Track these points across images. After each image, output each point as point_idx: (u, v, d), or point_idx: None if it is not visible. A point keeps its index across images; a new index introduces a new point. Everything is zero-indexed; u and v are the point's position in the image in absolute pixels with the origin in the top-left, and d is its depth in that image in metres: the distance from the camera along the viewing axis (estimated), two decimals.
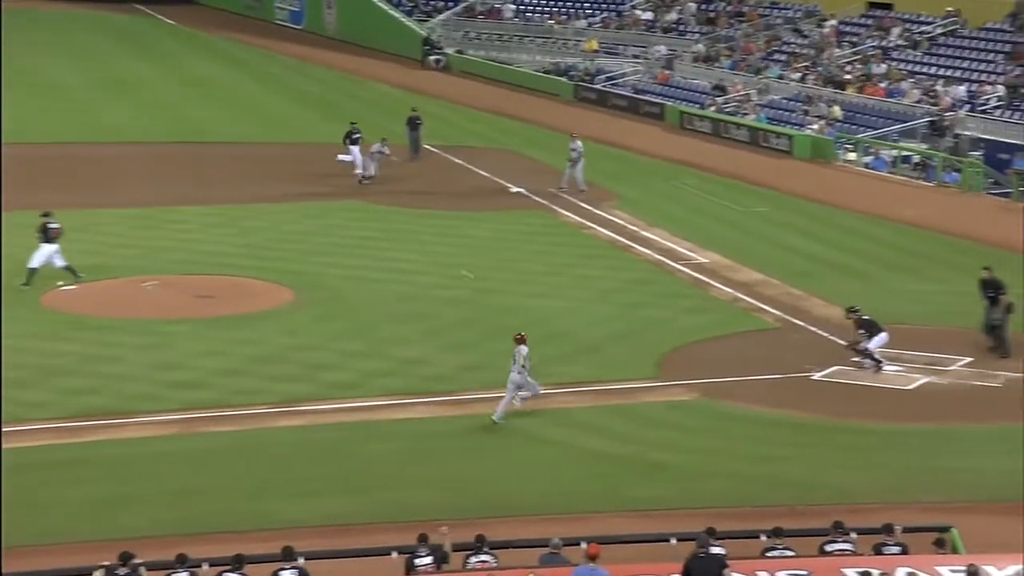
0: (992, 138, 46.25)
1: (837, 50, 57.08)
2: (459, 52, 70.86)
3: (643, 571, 17.26)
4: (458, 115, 57.91)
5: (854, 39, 57.73)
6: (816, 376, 26.80)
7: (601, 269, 34.77)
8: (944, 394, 26.17)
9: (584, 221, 39.90)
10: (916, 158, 47.12)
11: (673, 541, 17.98)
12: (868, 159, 48.20)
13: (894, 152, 47.81)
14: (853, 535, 17.87)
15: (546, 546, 17.44)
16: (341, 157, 44.12)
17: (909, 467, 22.80)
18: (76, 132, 51.91)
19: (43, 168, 44.88)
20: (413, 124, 47.98)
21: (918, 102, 50.41)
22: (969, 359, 27.57)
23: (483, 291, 32.45)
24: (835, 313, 29.50)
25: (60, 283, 31.85)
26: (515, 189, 43.89)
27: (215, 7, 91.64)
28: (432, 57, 70.45)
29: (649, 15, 68.27)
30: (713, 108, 55.68)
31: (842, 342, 27.64)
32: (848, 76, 54.34)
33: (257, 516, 20.60)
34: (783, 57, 58.93)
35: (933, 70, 52.71)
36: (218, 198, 42.05)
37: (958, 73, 51.67)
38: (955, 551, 17.63)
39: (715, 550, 16.77)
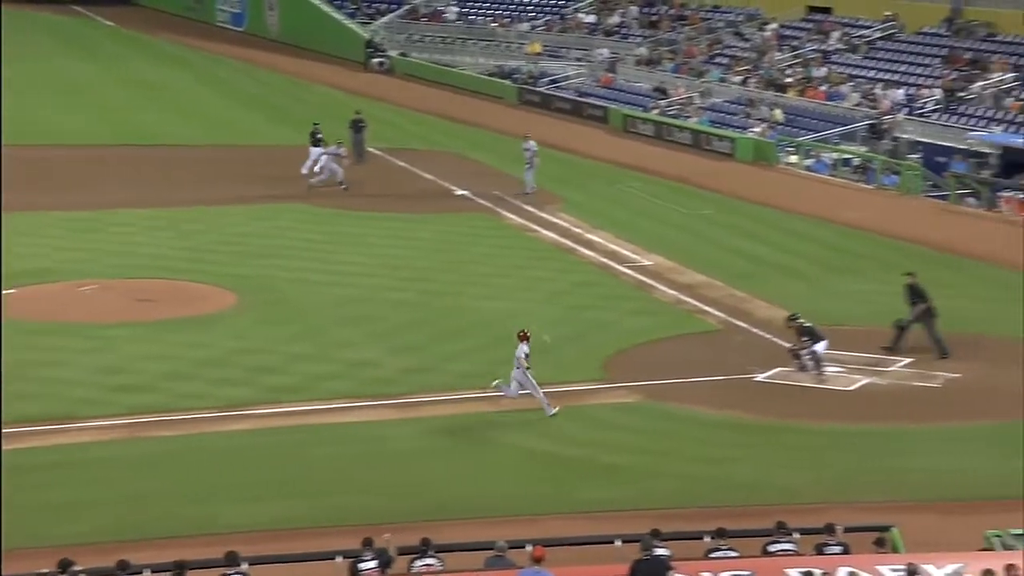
0: (930, 141, 46.84)
1: (778, 54, 57.59)
2: (402, 55, 70.79)
3: (588, 573, 17.34)
4: (402, 118, 57.85)
5: (795, 43, 58.26)
6: (759, 377, 27.01)
7: (546, 271, 34.85)
8: (884, 395, 26.45)
9: (529, 224, 39.98)
10: (856, 161, 47.62)
11: (618, 543, 18.02)
12: (809, 162, 48.67)
13: (834, 155, 48.31)
14: (796, 535, 18.01)
15: (492, 549, 17.46)
16: (310, 174, 43.58)
17: (851, 467, 23.03)
18: (17, 134, 51.26)
19: None
20: (357, 127, 47.89)
21: (857, 105, 50.97)
22: (909, 360, 27.89)
23: (429, 293, 32.45)
24: (778, 315, 29.74)
25: None
26: (460, 192, 43.90)
27: (155, 8, 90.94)
28: (375, 60, 70.34)
29: (592, 18, 68.52)
30: (656, 111, 55.98)
31: (785, 344, 27.87)
32: (789, 79, 54.85)
33: (201, 521, 20.46)
34: (725, 60, 59.36)
35: (872, 74, 53.32)
36: (161, 201, 41.76)
37: (896, 77, 52.30)
38: (895, 550, 17.81)
39: (660, 551, 16.84)
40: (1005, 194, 42.10)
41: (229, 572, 16.92)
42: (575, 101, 59.70)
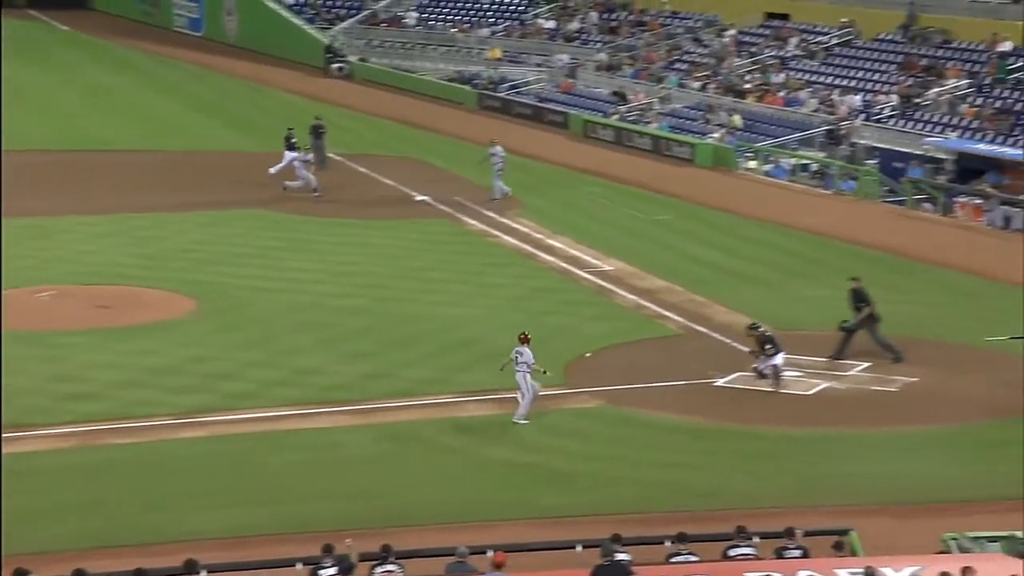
0: (887, 147, 47.18)
1: (737, 60, 57.86)
2: (362, 60, 70.59)
3: None
4: (362, 124, 57.67)
5: (753, 49, 58.56)
6: (719, 382, 27.08)
7: (506, 277, 34.82)
8: (843, 399, 26.57)
9: (489, 229, 39.94)
10: (814, 166, 47.89)
11: (579, 548, 18.05)
12: (768, 167, 48.90)
13: (793, 160, 48.54)
14: (756, 539, 18.08)
15: (453, 555, 17.40)
16: (279, 175, 43.38)
17: (810, 471, 23.13)
18: None
19: None
20: (317, 133, 47.65)
21: (815, 111, 51.27)
22: (866, 364, 28.04)
23: (385, 300, 32.34)
24: (737, 320, 29.84)
25: None
26: (420, 197, 43.79)
27: (111, 13, 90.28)
28: (335, 65, 70.11)
29: (551, 24, 68.61)
30: (616, 117, 56.10)
31: (744, 348, 27.93)
32: (748, 85, 55.11)
33: (158, 529, 20.28)
34: (684, 66, 59.56)
35: (829, 80, 53.65)
36: (115, 207, 41.38)
37: (853, 83, 52.63)
38: (854, 553, 17.91)
39: (620, 557, 16.85)
40: (961, 199, 42.48)
41: None
42: (535, 107, 59.73)
